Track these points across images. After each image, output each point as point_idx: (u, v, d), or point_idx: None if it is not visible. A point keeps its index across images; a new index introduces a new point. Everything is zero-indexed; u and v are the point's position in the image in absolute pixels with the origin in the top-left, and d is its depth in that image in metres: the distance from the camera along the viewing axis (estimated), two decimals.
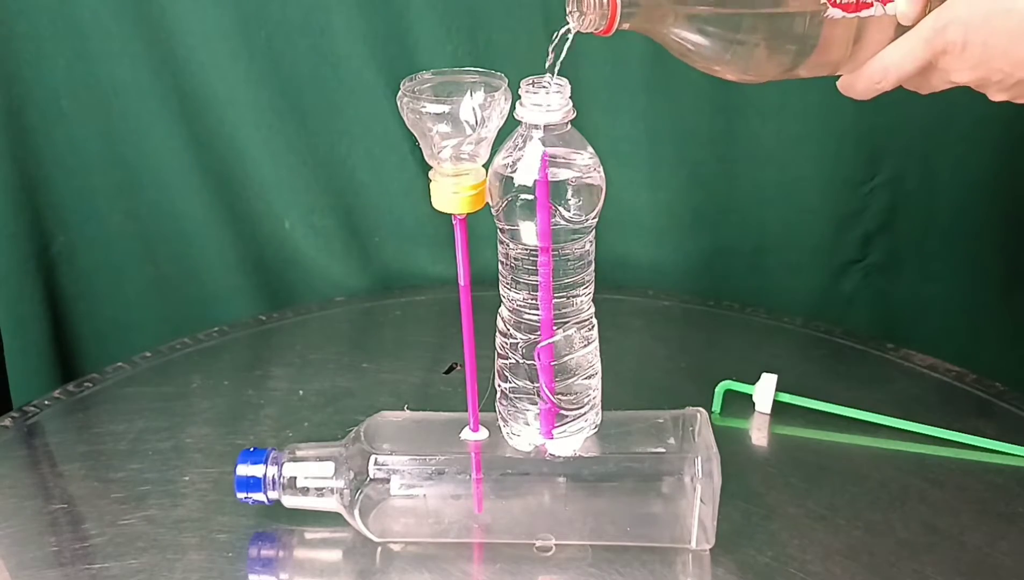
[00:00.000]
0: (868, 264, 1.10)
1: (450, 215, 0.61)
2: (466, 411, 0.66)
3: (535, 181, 0.57)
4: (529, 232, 0.59)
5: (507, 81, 0.58)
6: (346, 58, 1.03)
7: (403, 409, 0.72)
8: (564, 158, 0.58)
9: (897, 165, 1.06)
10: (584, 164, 0.58)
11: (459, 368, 0.86)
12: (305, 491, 0.67)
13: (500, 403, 0.65)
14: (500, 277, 0.63)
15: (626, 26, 0.55)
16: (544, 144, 0.58)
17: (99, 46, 1.02)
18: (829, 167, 1.07)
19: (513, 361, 0.63)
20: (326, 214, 1.10)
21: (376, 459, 0.65)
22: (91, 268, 1.10)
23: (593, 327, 0.63)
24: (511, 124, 0.59)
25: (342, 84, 1.04)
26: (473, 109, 0.56)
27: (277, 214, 1.10)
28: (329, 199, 1.09)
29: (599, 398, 0.65)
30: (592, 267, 0.62)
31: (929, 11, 0.57)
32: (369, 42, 1.02)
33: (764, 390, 0.80)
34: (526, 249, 0.60)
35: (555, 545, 0.65)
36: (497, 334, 0.64)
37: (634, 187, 1.07)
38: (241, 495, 0.68)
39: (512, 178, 0.58)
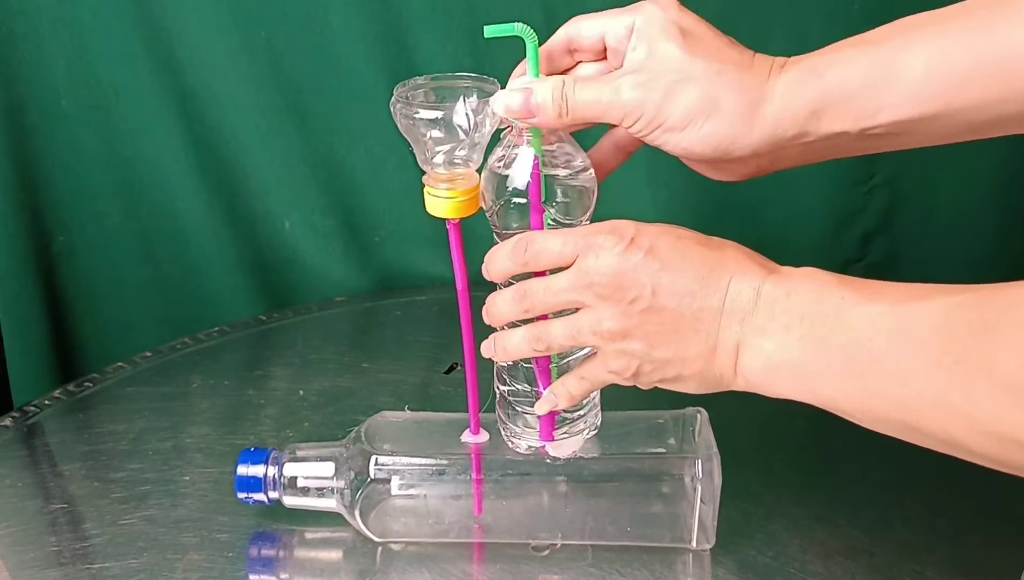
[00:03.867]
0: (868, 264, 1.10)
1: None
2: (466, 411, 0.66)
3: (527, 184, 0.57)
4: None
5: (500, 86, 0.58)
6: (346, 58, 1.03)
7: (404, 409, 0.72)
8: (556, 160, 0.58)
9: (896, 165, 1.06)
10: (576, 166, 0.58)
11: (459, 368, 0.85)
12: (305, 491, 0.67)
13: (499, 406, 0.65)
14: None
15: None
16: None
17: (99, 46, 1.01)
18: (828, 166, 1.06)
19: (512, 364, 0.63)
20: (326, 214, 1.10)
21: (377, 459, 0.65)
22: (91, 268, 1.10)
23: None
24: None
25: (342, 84, 1.04)
26: (466, 114, 0.56)
27: (277, 214, 1.09)
28: (329, 199, 1.09)
29: (599, 399, 0.65)
30: None
31: None
32: (369, 42, 1.02)
33: None
34: None
35: (551, 545, 0.65)
36: None
37: (634, 187, 1.06)
38: (241, 495, 0.68)
39: (505, 182, 0.58)
